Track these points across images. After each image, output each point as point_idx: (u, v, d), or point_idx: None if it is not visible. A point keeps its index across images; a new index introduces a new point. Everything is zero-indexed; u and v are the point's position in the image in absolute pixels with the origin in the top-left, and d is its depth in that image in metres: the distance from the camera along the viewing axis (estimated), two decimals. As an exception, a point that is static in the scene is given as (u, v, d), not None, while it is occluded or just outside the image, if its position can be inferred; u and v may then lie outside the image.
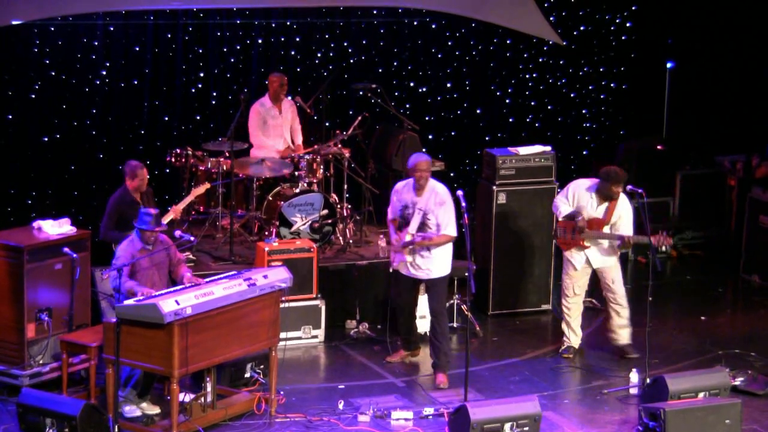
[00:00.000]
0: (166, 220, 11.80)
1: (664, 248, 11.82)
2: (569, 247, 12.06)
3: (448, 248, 11.52)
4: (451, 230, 11.39)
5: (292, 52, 14.90)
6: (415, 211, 11.37)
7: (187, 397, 10.59)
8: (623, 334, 12.20)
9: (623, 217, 11.92)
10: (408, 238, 11.38)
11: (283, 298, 10.86)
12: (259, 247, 12.59)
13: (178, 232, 10.92)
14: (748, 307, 14.19)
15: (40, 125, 13.89)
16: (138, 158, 13.57)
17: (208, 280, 10.47)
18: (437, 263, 11.46)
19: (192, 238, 10.93)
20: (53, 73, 13.89)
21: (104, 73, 14.08)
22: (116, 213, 11.54)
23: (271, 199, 13.42)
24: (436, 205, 11.37)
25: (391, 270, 11.71)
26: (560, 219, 12.08)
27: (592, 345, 12.56)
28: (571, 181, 12.24)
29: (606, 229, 11.90)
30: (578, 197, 11.99)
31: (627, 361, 11.99)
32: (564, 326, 12.28)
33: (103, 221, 11.66)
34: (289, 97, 14.32)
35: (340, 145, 13.87)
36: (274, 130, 14.06)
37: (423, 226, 11.38)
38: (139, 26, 14.18)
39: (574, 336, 12.26)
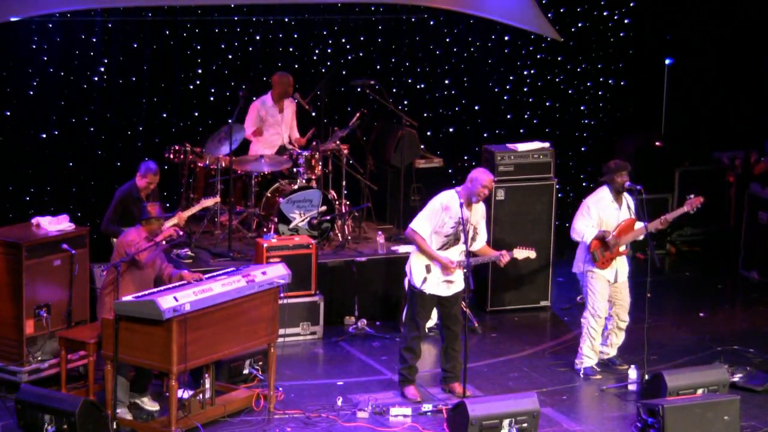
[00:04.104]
0: (169, 224, 11.79)
1: (694, 211, 11.68)
2: (610, 263, 11.59)
3: None
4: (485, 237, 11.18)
5: (290, 49, 14.88)
6: (467, 227, 10.86)
7: (185, 394, 10.58)
8: (613, 352, 12.05)
9: (632, 207, 11.70)
10: (462, 256, 10.85)
11: (282, 295, 10.85)
12: (257, 243, 12.60)
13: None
14: (746, 304, 14.20)
15: (38, 122, 13.87)
16: (136, 155, 13.65)
17: (206, 276, 10.47)
18: (460, 273, 11.05)
19: (180, 233, 10.92)
20: (51, 70, 13.86)
21: (102, 69, 14.05)
22: (121, 206, 11.59)
23: (269, 195, 13.42)
24: (481, 218, 11.03)
25: (427, 293, 10.91)
26: (587, 242, 11.55)
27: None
28: (582, 202, 11.83)
29: (637, 225, 11.59)
30: (599, 209, 11.58)
31: (625, 358, 11.97)
32: (585, 346, 11.75)
33: (107, 212, 11.68)
34: (287, 93, 14.34)
35: (338, 142, 13.86)
36: (273, 128, 14.04)
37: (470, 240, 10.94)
38: (137, 23, 14.16)
39: (595, 356, 11.81)
